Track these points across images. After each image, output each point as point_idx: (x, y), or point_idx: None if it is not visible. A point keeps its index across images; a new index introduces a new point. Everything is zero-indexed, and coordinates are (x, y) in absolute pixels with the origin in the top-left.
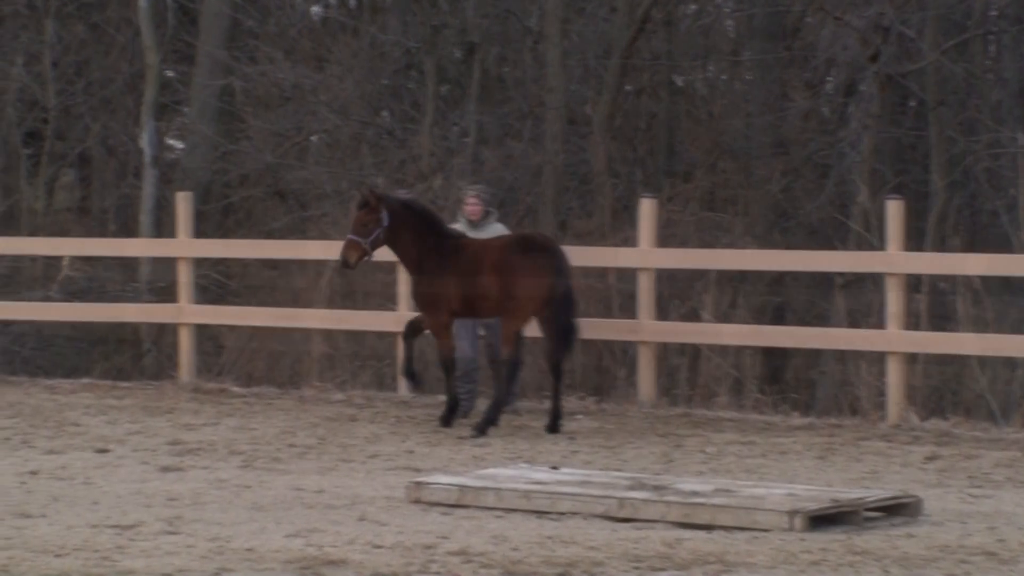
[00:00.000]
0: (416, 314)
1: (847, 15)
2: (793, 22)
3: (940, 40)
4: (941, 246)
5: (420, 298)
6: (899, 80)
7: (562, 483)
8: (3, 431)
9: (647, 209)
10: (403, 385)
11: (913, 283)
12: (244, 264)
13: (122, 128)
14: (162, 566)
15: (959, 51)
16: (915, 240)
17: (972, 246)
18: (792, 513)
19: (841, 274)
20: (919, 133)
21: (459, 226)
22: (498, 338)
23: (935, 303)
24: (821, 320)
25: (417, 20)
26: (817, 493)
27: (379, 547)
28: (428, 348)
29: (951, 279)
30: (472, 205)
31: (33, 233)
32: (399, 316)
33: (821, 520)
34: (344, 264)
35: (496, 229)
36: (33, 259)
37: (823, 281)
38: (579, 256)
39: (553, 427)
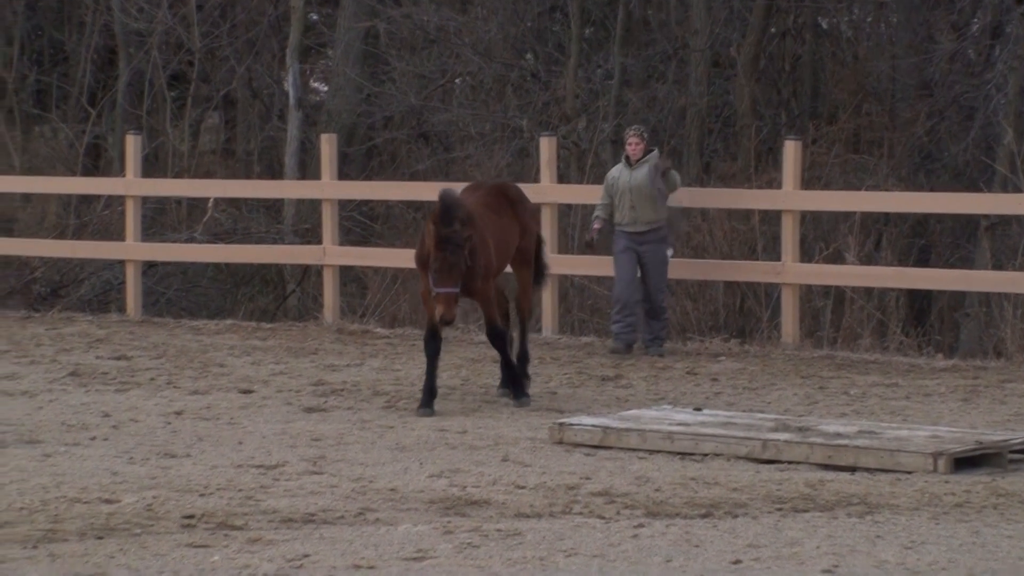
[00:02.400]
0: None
1: None
2: None
3: None
4: None
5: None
6: None
7: (705, 424)
8: (148, 371)
9: (791, 151)
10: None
11: None
12: (388, 206)
13: (267, 70)
14: (305, 506)
15: None
16: None
17: None
18: (936, 455)
19: (986, 216)
20: None
21: (619, 165)
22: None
23: None
24: (965, 262)
25: None
26: (961, 435)
27: (522, 488)
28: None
29: None
30: (633, 144)
31: (178, 175)
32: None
33: (965, 462)
34: (448, 324)
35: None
36: (178, 201)
37: (968, 223)
38: (723, 198)
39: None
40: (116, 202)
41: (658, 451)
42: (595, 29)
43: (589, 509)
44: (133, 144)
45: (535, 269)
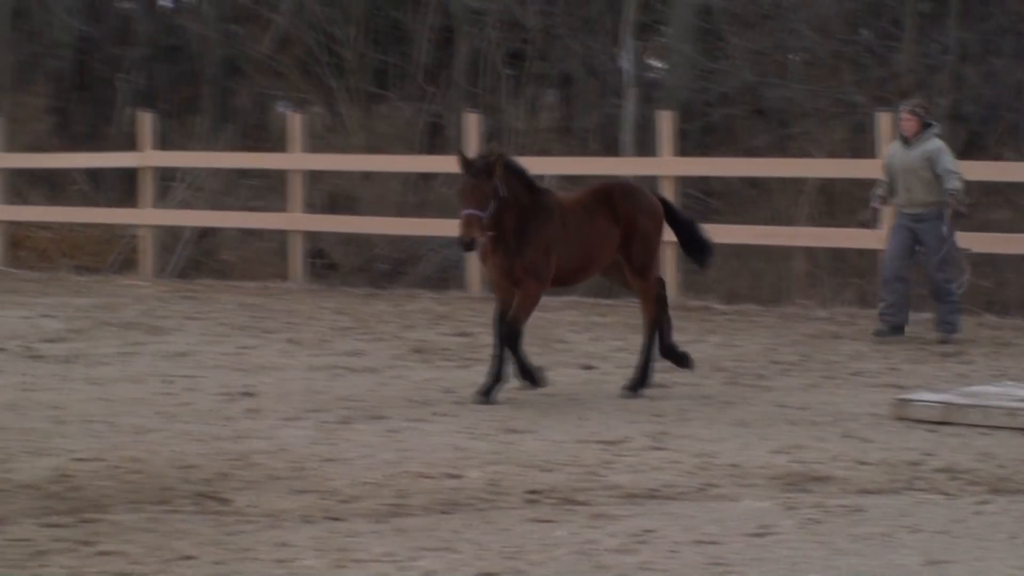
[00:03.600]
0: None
1: None
2: None
3: None
4: None
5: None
6: None
7: None
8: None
9: None
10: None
11: None
12: (725, 182)
13: (602, 48)
14: (648, 481)
15: None
16: None
17: None
18: None
19: None
20: None
21: (895, 144)
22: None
23: None
24: None
25: None
26: None
27: (864, 463)
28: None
29: None
30: (906, 120)
31: (517, 152)
32: (880, 234)
33: None
34: (468, 246)
35: (930, 145)
36: None
37: None
38: None
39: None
40: (454, 179)
41: (1001, 427)
42: (931, 3)
43: (932, 485)
44: (472, 122)
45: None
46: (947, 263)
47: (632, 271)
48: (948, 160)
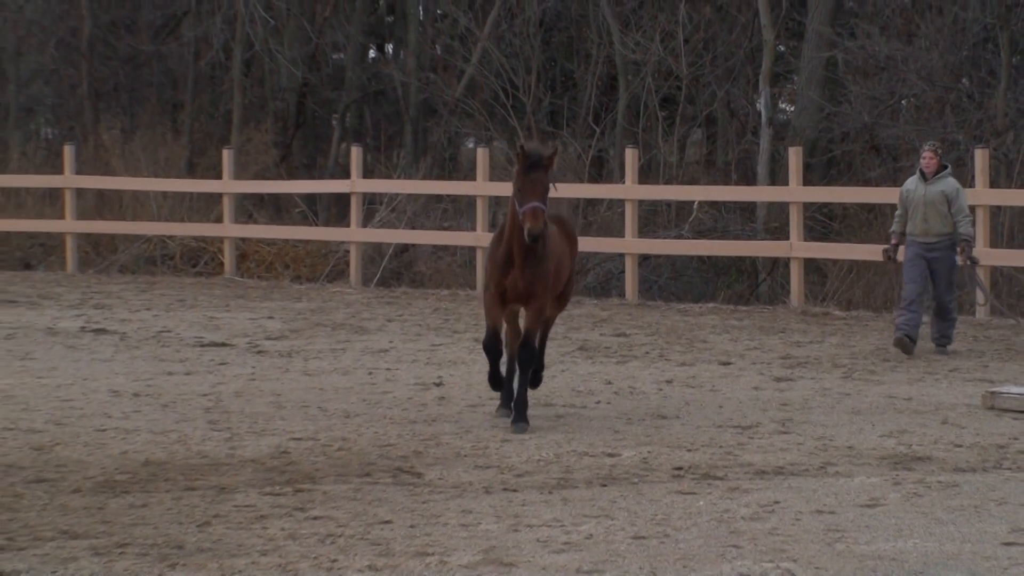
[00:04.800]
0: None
1: None
2: None
3: None
4: None
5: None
6: None
7: None
8: (643, 347)
9: None
10: (981, 308)
11: None
12: (844, 207)
13: (742, 93)
14: (776, 460)
15: None
16: None
17: None
18: None
19: None
20: None
21: (913, 178)
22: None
23: None
24: None
25: (994, 2)
26: None
27: (959, 446)
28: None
29: None
30: (928, 159)
31: (668, 182)
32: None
33: None
34: (537, 239)
35: (948, 184)
36: (668, 204)
37: None
38: None
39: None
40: (617, 204)
41: None
42: (1021, 56)
43: (1017, 465)
44: (631, 156)
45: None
46: (952, 287)
47: (560, 297)
48: (964, 201)
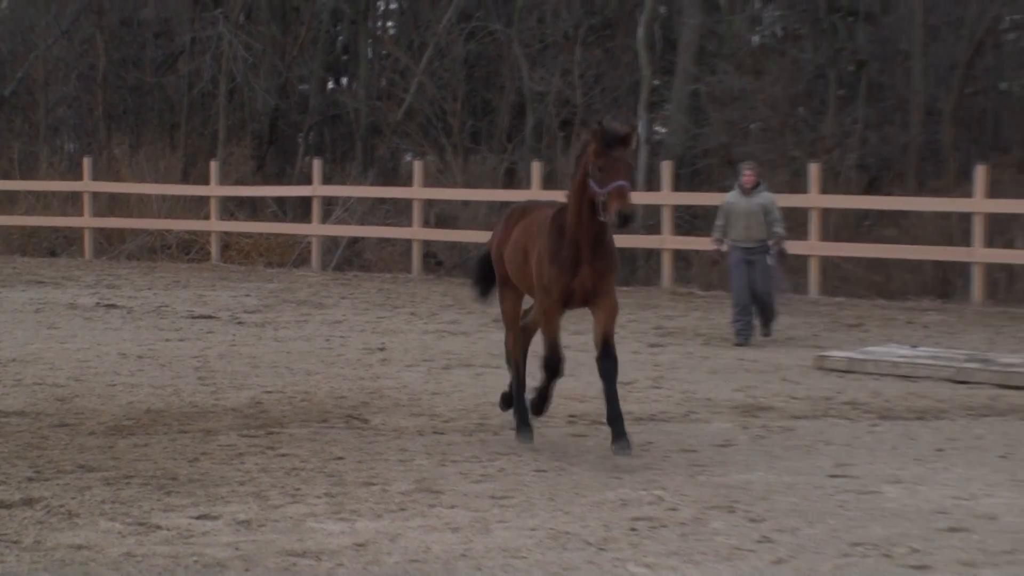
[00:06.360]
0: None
1: None
2: None
3: None
4: None
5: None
6: None
7: (919, 357)
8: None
9: (980, 173)
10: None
11: None
12: (705, 208)
13: (625, 118)
14: (650, 409)
15: None
16: None
17: None
18: None
19: None
20: None
21: (734, 192)
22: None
23: None
24: None
25: (824, 45)
26: None
27: (795, 398)
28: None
29: None
30: (748, 176)
31: (565, 188)
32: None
33: None
34: (629, 220)
35: (765, 197)
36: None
37: None
38: (931, 204)
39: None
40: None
41: (887, 375)
42: (845, 90)
43: (840, 413)
44: (536, 168)
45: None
46: (771, 284)
47: None
48: (777, 210)
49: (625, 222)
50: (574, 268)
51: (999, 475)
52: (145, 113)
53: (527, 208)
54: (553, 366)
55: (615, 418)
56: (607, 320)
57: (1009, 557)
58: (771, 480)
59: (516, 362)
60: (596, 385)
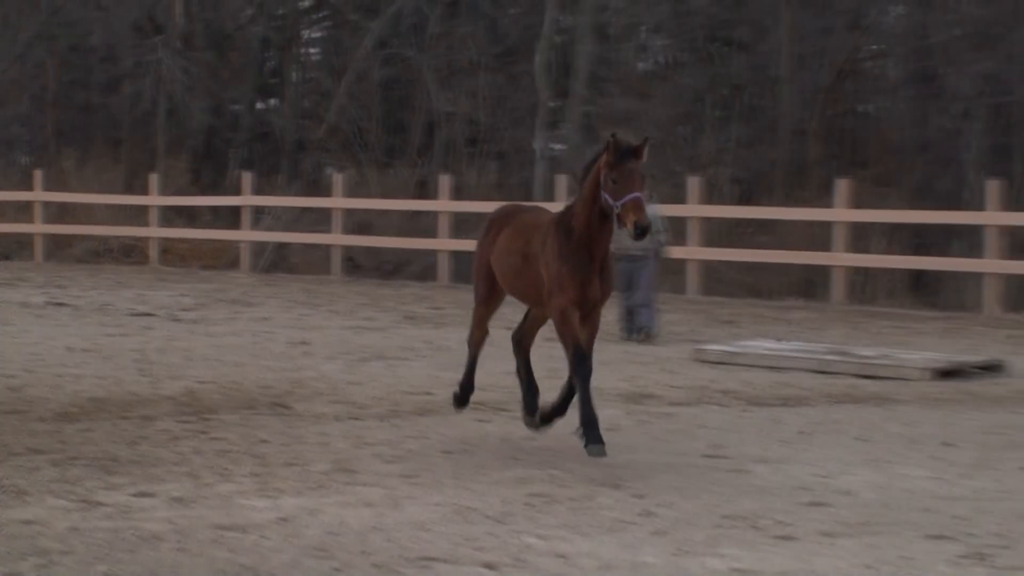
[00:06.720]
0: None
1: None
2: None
3: None
4: None
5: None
6: None
7: (785, 350)
8: (454, 316)
9: (841, 186)
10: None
11: None
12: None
13: (525, 136)
14: (545, 398)
15: None
16: None
17: None
18: (925, 369)
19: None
20: None
21: None
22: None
23: None
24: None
25: (703, 71)
26: (943, 357)
27: (674, 387)
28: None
29: None
30: None
31: (471, 199)
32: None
33: (945, 373)
34: (645, 232)
35: (653, 209)
36: (473, 214)
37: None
38: (798, 214)
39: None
40: (436, 215)
41: (756, 366)
42: (722, 111)
43: (715, 400)
44: (445, 181)
45: None
46: (653, 287)
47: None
48: (660, 222)
49: (643, 233)
50: (590, 278)
51: (855, 455)
52: (92, 130)
53: (511, 213)
54: (586, 372)
55: (591, 421)
56: (594, 328)
57: (864, 528)
58: (652, 460)
59: (474, 356)
60: (495, 376)
